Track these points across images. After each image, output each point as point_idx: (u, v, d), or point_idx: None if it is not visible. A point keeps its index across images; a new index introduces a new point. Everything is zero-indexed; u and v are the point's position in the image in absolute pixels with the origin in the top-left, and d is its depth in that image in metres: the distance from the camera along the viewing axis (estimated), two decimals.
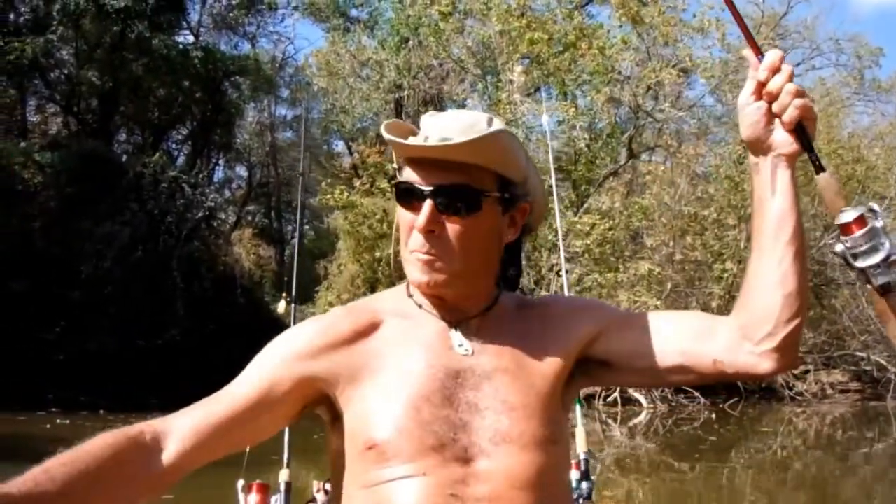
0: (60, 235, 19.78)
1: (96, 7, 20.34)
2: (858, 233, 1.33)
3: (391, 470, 1.44)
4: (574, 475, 2.85)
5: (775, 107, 1.41)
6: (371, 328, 1.58)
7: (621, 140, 21.90)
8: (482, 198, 1.52)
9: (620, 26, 20.90)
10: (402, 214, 1.56)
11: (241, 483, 2.89)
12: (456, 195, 1.50)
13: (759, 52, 1.43)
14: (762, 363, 1.48)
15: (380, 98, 24.64)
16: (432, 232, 1.49)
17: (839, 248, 1.34)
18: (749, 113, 1.45)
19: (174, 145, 27.62)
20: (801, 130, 1.42)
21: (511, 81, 19.98)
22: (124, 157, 22.91)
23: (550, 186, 5.23)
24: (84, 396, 16.21)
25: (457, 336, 1.55)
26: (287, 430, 3.15)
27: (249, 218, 33.27)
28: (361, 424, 1.50)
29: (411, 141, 1.52)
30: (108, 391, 16.19)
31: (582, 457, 3.04)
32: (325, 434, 1.62)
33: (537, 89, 22.31)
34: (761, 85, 1.42)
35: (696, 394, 19.83)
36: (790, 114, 1.39)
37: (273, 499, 2.97)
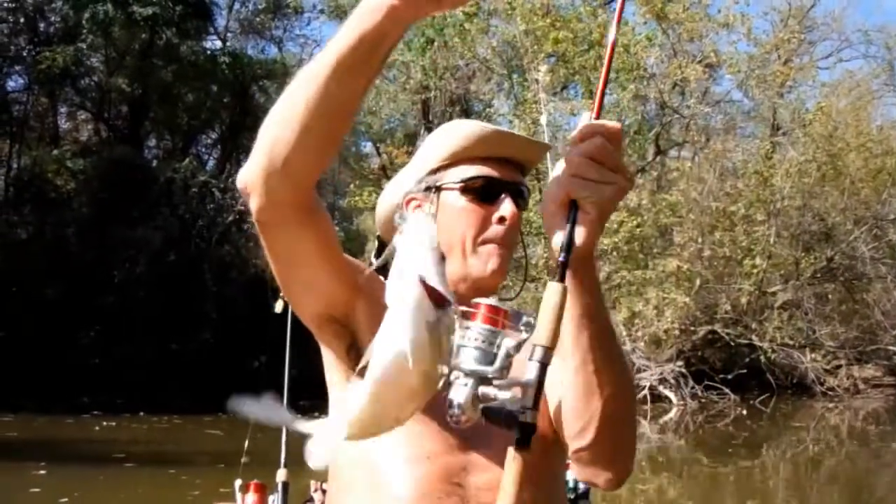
0: (94, 241, 20.00)
1: (125, 15, 20.56)
2: (478, 325, 1.09)
3: (395, 450, 1.47)
4: (571, 475, 2.88)
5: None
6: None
7: (648, 137, 21.84)
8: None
9: (645, 23, 20.84)
10: (471, 209, 1.59)
11: (238, 483, 2.94)
12: (522, 191, 1.62)
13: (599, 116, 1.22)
14: (582, 473, 1.41)
15: (407, 99, 24.74)
16: (512, 223, 1.58)
17: (459, 334, 1.09)
18: (549, 184, 1.25)
19: (204, 150, 27.83)
20: (574, 214, 1.16)
21: (537, 81, 19.97)
22: (154, 163, 23.14)
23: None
24: (120, 399, 16.41)
25: None
26: (284, 430, 3.18)
27: None
28: None
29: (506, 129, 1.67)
30: (142, 394, 16.38)
31: None
32: (332, 405, 1.63)
33: (564, 87, 22.31)
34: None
35: (727, 390, 19.74)
36: (557, 192, 1.19)
37: (271, 498, 3.00)
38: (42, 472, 9.14)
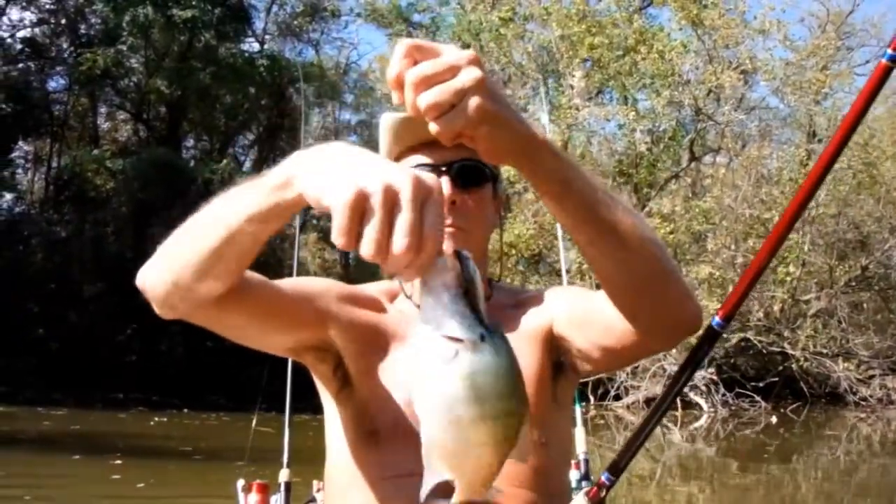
0: (132, 240, 20.27)
1: (164, 18, 20.79)
2: None
3: (391, 467, 1.46)
4: (574, 475, 2.91)
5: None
6: (380, 310, 1.64)
7: (683, 143, 21.77)
8: (486, 171, 1.61)
9: (681, 29, 20.78)
10: None
11: (241, 483, 2.98)
12: (468, 169, 1.57)
13: None
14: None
15: None
16: (453, 203, 1.53)
17: None
18: None
19: (241, 151, 28.11)
20: None
21: (572, 86, 20.00)
22: (192, 163, 23.32)
23: None
24: (155, 396, 16.62)
25: None
26: (287, 429, 3.23)
27: (315, 222, 33.61)
28: (364, 406, 1.52)
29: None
30: (178, 391, 16.57)
31: (581, 457, 3.09)
32: (326, 417, 1.64)
33: (599, 92, 22.29)
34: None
35: (758, 398, 19.64)
36: None
37: (273, 499, 3.03)
38: (118, 461, 9.44)
